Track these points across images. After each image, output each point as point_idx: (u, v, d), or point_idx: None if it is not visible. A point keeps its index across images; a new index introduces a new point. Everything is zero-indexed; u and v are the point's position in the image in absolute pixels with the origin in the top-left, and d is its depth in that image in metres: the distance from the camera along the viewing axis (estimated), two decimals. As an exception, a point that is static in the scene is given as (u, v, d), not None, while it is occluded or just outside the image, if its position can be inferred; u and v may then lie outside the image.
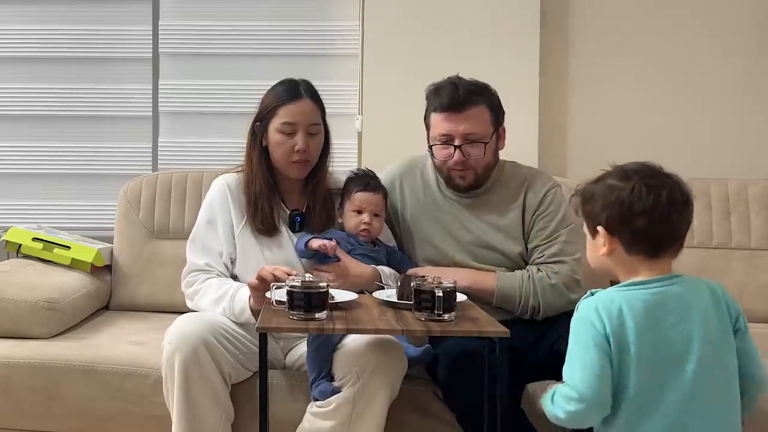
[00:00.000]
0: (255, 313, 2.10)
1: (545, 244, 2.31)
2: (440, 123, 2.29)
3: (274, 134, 2.29)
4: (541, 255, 2.31)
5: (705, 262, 2.76)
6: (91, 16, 3.24)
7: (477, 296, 2.16)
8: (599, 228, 1.58)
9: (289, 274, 1.94)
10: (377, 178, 2.37)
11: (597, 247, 1.60)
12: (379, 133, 3.09)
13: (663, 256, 1.57)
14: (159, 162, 3.25)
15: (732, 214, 2.81)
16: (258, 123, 2.32)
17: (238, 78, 3.22)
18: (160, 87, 3.24)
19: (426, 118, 2.37)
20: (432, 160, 2.39)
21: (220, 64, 3.24)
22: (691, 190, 1.60)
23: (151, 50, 3.24)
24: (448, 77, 2.34)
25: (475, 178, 2.33)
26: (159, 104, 3.25)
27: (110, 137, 3.27)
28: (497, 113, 2.34)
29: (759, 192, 2.82)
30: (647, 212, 1.54)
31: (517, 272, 2.29)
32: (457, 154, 2.28)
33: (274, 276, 1.97)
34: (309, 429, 2.05)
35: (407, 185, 2.45)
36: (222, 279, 2.25)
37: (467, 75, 3.03)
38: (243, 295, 2.13)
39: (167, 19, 3.24)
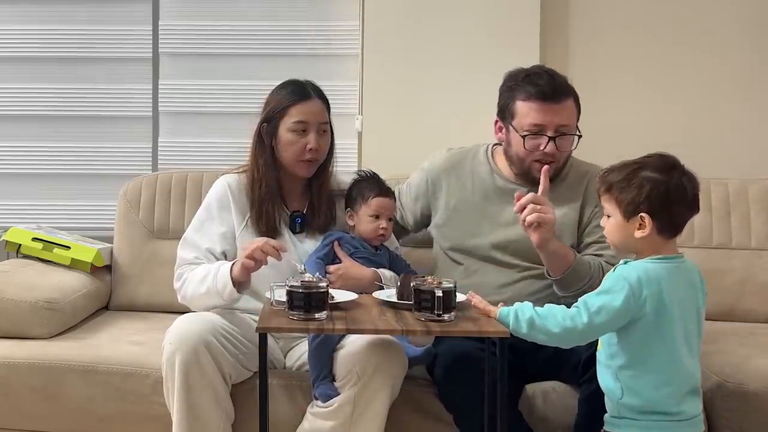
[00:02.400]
0: (237, 285, 2.10)
1: (603, 243, 2.22)
2: (533, 112, 2.22)
3: (285, 134, 2.28)
4: (599, 254, 2.26)
5: (705, 262, 2.74)
6: (91, 16, 3.24)
7: (552, 261, 2.14)
8: (643, 213, 1.78)
9: (278, 249, 2.02)
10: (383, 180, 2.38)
11: (629, 229, 1.81)
12: (379, 133, 3.09)
13: (677, 236, 1.85)
14: (159, 162, 3.25)
15: (732, 214, 2.81)
16: (265, 124, 2.31)
17: (238, 78, 3.22)
18: (160, 87, 3.24)
19: (508, 105, 2.29)
20: (506, 149, 2.33)
21: (220, 64, 3.24)
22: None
23: (151, 50, 3.24)
24: (536, 65, 2.32)
25: (555, 171, 2.28)
26: (159, 104, 3.25)
27: (110, 137, 3.27)
28: (579, 108, 2.30)
29: (759, 192, 2.81)
30: (686, 203, 1.81)
31: (590, 257, 2.24)
32: (550, 146, 2.22)
33: (263, 252, 2.02)
34: (309, 429, 2.05)
35: (455, 176, 2.40)
36: (207, 264, 2.24)
37: (467, 74, 3.06)
38: (225, 270, 2.12)
39: (167, 19, 3.24)
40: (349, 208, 2.32)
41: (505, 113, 2.31)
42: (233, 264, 2.12)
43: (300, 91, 2.31)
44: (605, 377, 1.85)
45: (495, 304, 1.86)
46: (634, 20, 3.12)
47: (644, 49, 3.12)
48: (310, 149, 2.26)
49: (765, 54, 3.11)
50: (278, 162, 2.32)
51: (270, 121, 2.31)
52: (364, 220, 2.27)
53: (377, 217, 2.26)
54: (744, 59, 3.11)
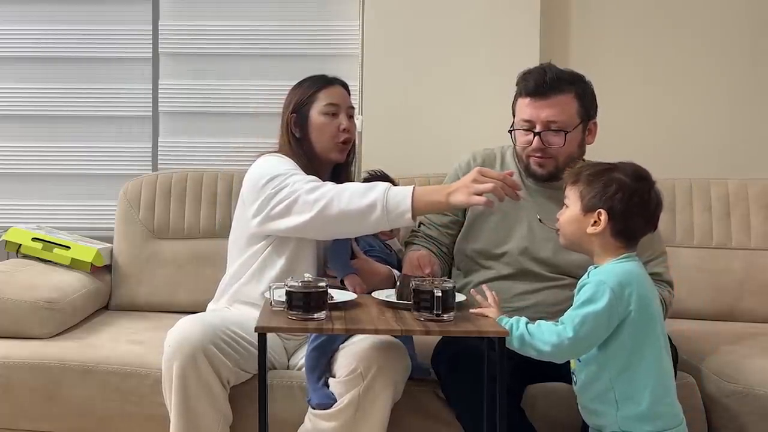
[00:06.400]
0: (416, 210, 1.99)
1: (648, 262, 2.17)
2: (524, 108, 2.24)
3: (317, 118, 2.30)
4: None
5: (705, 262, 2.76)
6: (91, 16, 3.25)
7: None
8: (601, 211, 1.81)
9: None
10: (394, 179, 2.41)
11: (583, 223, 1.84)
12: (379, 133, 3.09)
13: (633, 247, 1.88)
14: (159, 162, 3.25)
15: (732, 214, 2.81)
16: (294, 115, 2.32)
17: (238, 78, 3.22)
18: (160, 87, 3.25)
19: (513, 103, 2.32)
20: (513, 146, 2.35)
21: (220, 64, 3.24)
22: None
23: (151, 50, 3.25)
24: (541, 63, 2.32)
25: (555, 167, 2.25)
26: (159, 104, 3.25)
27: (110, 137, 3.27)
28: (587, 106, 2.27)
29: (759, 192, 2.81)
30: (645, 216, 1.84)
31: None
32: (536, 141, 2.22)
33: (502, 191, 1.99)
34: (311, 429, 2.04)
35: None
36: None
37: (467, 74, 3.06)
38: (403, 189, 2.01)
39: (167, 19, 3.24)
40: None
41: (513, 111, 2.34)
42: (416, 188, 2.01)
43: (324, 78, 2.37)
44: (595, 395, 1.84)
45: (516, 310, 1.86)
46: (634, 20, 3.13)
47: (644, 48, 3.12)
48: (344, 129, 2.30)
49: (765, 54, 3.11)
50: (308, 152, 2.31)
51: (299, 110, 2.32)
52: None
53: None
54: (744, 59, 3.11)
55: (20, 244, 2.79)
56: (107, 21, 3.24)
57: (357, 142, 3.10)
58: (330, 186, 2.09)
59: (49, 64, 3.26)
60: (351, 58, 3.18)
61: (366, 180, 2.40)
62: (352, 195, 2.04)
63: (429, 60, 3.06)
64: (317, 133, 2.30)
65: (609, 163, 1.87)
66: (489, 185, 1.97)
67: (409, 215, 2.00)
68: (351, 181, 2.38)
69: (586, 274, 1.86)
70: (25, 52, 3.26)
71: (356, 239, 2.26)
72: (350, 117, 2.35)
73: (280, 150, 2.33)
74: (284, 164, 2.22)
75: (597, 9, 3.13)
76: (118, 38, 3.25)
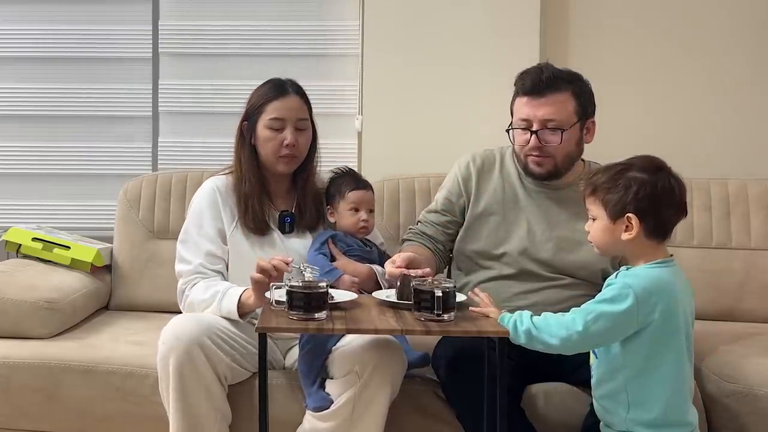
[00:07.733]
0: (243, 315, 2.12)
1: None
2: (521, 107, 2.25)
3: (262, 131, 2.30)
4: None
5: (705, 262, 2.76)
6: (91, 16, 3.25)
7: None
8: (630, 215, 1.76)
9: (286, 263, 1.98)
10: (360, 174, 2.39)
11: (616, 231, 1.79)
12: (379, 133, 3.09)
13: (666, 241, 1.82)
14: (159, 162, 3.25)
15: (732, 214, 2.81)
16: (245, 122, 2.33)
17: (238, 78, 3.21)
18: (160, 87, 3.25)
19: (511, 104, 2.32)
20: (512, 147, 2.35)
21: (220, 64, 3.24)
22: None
23: (151, 50, 3.25)
24: (539, 63, 2.32)
25: (553, 166, 2.26)
26: (159, 104, 3.25)
27: (110, 137, 3.27)
28: (585, 104, 2.27)
29: (759, 192, 2.81)
30: (673, 205, 1.78)
31: None
32: (533, 140, 2.22)
33: (275, 267, 1.98)
34: (309, 429, 2.05)
35: (484, 177, 2.39)
36: (208, 281, 2.23)
37: (467, 73, 3.06)
38: (231, 297, 2.13)
39: (167, 19, 3.24)
40: (329, 206, 2.33)
41: (512, 112, 2.34)
42: (243, 291, 2.12)
43: (278, 88, 2.32)
44: (607, 393, 1.83)
45: (516, 309, 1.86)
46: (634, 19, 3.12)
47: (644, 47, 3.12)
48: (287, 144, 2.27)
49: (765, 54, 3.11)
50: (260, 159, 2.33)
51: (249, 118, 2.32)
52: (345, 214, 2.29)
53: (356, 210, 2.29)
54: (744, 58, 3.11)
55: (20, 244, 2.79)
56: (107, 21, 3.24)
57: (357, 142, 3.14)
58: (188, 287, 2.26)
59: (49, 64, 3.26)
60: (351, 58, 3.18)
61: (331, 179, 2.37)
62: (198, 309, 2.20)
63: (429, 60, 3.06)
64: (261, 145, 2.30)
65: (621, 164, 1.83)
66: (263, 272, 2.01)
67: (239, 320, 2.13)
68: (312, 186, 2.37)
69: (614, 274, 1.84)
70: (25, 52, 3.26)
71: (333, 241, 2.26)
72: (302, 130, 2.30)
73: (234, 157, 2.35)
74: (194, 217, 2.32)
75: (597, 9, 3.13)
76: (118, 38, 3.25)
